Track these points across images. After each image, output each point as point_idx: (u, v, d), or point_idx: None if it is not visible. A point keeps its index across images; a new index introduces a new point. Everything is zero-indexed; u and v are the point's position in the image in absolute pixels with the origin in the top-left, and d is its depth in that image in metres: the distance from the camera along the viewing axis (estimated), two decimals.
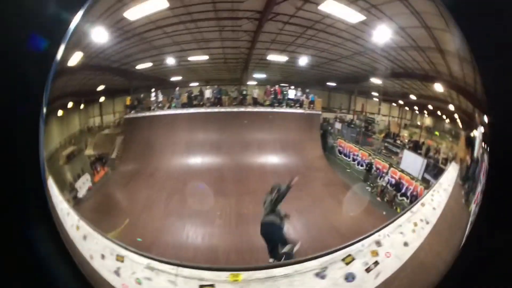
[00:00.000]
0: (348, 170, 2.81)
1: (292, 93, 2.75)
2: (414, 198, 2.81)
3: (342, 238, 2.34)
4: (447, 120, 3.50)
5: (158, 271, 2.43)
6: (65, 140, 2.96)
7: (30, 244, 3.22)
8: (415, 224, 2.63)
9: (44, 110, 3.02)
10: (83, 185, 2.79)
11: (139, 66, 2.82)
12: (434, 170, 3.01)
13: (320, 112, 2.80)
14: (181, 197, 2.67)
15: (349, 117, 2.88)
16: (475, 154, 2.98)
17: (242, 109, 2.74)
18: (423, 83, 3.14)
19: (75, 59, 2.94)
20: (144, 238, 2.60)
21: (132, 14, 2.73)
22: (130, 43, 2.82)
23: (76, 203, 2.65)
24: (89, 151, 2.89)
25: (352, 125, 2.84)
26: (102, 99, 2.90)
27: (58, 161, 2.92)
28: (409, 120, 3.60)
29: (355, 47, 2.79)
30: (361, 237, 2.38)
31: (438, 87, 3.01)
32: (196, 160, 2.82)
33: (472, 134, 3.09)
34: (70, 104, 2.93)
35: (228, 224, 2.48)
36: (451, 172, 2.90)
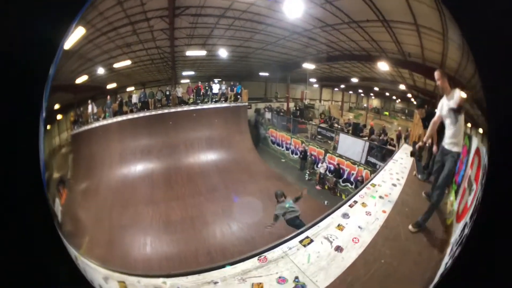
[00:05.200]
0: (283, 160, 2.67)
1: (216, 88, 2.63)
2: (360, 183, 2.67)
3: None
4: (398, 100, 3.34)
5: None
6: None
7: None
8: None
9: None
10: (58, 209, 2.76)
11: (79, 80, 2.78)
12: (381, 152, 2.87)
13: (247, 104, 2.67)
14: (120, 209, 2.67)
15: (278, 105, 2.74)
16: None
17: (166, 111, 2.64)
18: (365, 64, 2.98)
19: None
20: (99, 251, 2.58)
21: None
22: (71, 61, 2.80)
23: (59, 227, 2.72)
24: (55, 174, 2.85)
25: (282, 113, 2.69)
26: (59, 117, 2.86)
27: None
28: (353, 103, 3.46)
29: (278, 32, 2.67)
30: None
31: (383, 66, 2.81)
32: (129, 169, 2.78)
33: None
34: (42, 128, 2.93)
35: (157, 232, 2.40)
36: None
